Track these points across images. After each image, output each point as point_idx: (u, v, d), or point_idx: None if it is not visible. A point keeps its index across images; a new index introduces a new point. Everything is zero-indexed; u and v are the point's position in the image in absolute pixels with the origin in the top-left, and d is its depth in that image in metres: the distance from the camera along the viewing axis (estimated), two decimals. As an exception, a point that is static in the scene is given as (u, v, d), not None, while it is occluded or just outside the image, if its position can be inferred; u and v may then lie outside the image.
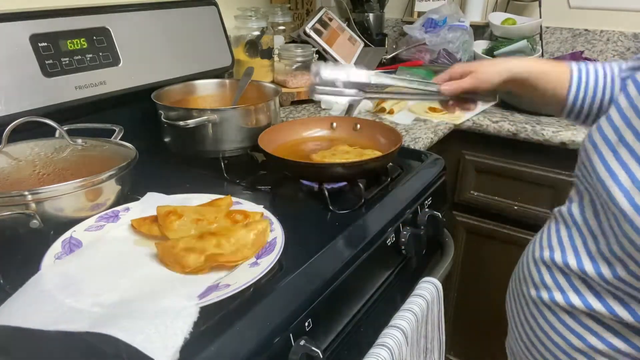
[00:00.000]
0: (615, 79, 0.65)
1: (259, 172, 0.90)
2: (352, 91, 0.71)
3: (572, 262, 0.57)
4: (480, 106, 1.24)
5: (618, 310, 0.53)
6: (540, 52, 1.47)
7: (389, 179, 0.85)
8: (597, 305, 0.55)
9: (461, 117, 1.20)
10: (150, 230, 0.63)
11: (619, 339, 0.54)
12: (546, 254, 0.62)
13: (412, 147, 1.03)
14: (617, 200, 0.49)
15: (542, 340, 0.62)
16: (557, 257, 0.60)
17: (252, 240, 0.59)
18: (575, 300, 0.57)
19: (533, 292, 0.63)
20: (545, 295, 0.61)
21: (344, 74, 0.70)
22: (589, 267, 0.55)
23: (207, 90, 1.06)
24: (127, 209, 0.68)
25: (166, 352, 0.42)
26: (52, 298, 0.49)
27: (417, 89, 0.73)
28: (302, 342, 0.53)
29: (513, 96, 1.15)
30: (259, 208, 0.68)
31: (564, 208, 0.63)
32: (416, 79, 0.74)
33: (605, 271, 0.53)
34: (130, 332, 0.43)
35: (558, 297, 0.59)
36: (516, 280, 0.69)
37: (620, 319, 0.53)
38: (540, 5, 1.51)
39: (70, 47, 0.87)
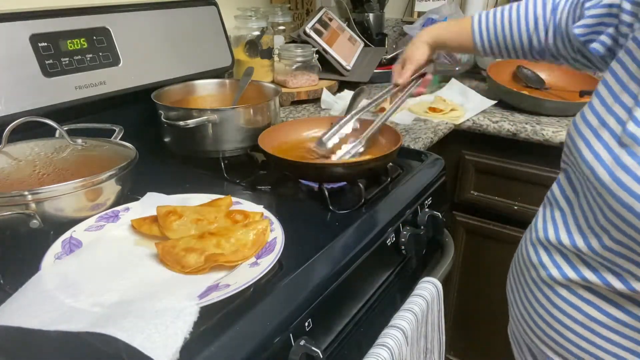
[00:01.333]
0: (528, 15, 0.78)
1: (259, 172, 0.90)
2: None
3: (565, 239, 0.59)
4: (480, 106, 1.24)
5: (611, 280, 0.55)
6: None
7: (389, 179, 0.85)
8: (591, 277, 0.57)
9: (461, 117, 1.20)
10: (150, 230, 0.63)
11: (616, 308, 0.56)
12: (541, 235, 0.64)
13: (412, 147, 1.03)
14: (599, 175, 0.51)
15: (543, 317, 0.64)
16: (551, 236, 0.62)
17: (252, 240, 0.59)
18: (571, 273, 0.59)
19: (533, 273, 0.65)
20: (543, 273, 0.63)
21: (337, 138, 0.88)
22: (579, 241, 0.57)
23: (207, 90, 1.06)
24: (127, 209, 0.68)
25: (166, 352, 0.42)
26: (52, 298, 0.49)
27: (389, 96, 0.94)
28: (302, 342, 0.53)
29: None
30: (259, 208, 0.68)
31: (552, 191, 0.65)
32: (381, 94, 0.95)
33: (594, 243, 0.55)
34: (130, 332, 0.43)
35: (555, 273, 0.61)
36: (516, 265, 0.71)
37: (614, 288, 0.55)
38: (540, 5, 1.51)
39: (70, 47, 0.87)
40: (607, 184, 0.50)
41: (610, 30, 0.65)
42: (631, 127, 0.49)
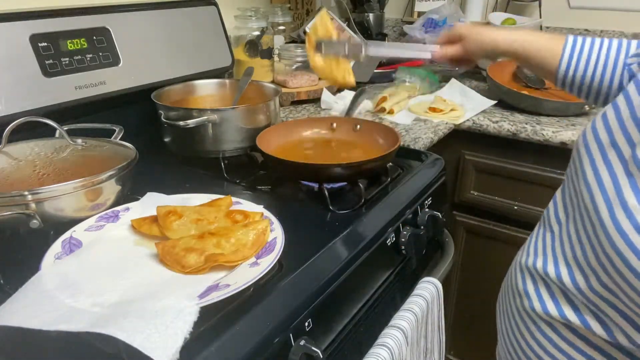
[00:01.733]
0: (620, 60, 0.64)
1: (258, 172, 0.90)
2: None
3: (551, 269, 0.55)
4: (480, 106, 1.24)
5: (592, 325, 0.51)
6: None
7: (389, 179, 0.85)
8: (572, 316, 0.53)
9: (461, 117, 1.20)
10: (150, 230, 0.63)
11: (597, 350, 0.53)
12: (530, 260, 0.60)
13: (412, 147, 1.03)
14: (599, 208, 0.47)
15: (523, 348, 0.61)
16: (539, 264, 0.58)
17: (252, 240, 0.59)
18: (552, 309, 0.55)
19: (518, 301, 0.62)
20: (526, 303, 0.60)
21: (343, 48, 0.80)
22: (565, 275, 0.53)
23: (207, 90, 1.06)
24: (127, 209, 0.68)
25: (166, 352, 0.42)
26: (52, 298, 0.49)
27: (411, 56, 0.82)
28: (302, 342, 0.53)
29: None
30: (259, 208, 0.68)
31: (548, 209, 0.61)
32: (409, 47, 0.82)
33: (580, 280, 0.51)
34: (130, 332, 0.43)
35: (537, 305, 0.58)
36: (504, 288, 0.69)
37: (594, 332, 0.52)
38: (540, 5, 1.51)
39: (70, 47, 0.87)
40: (604, 222, 0.45)
41: None
42: None
